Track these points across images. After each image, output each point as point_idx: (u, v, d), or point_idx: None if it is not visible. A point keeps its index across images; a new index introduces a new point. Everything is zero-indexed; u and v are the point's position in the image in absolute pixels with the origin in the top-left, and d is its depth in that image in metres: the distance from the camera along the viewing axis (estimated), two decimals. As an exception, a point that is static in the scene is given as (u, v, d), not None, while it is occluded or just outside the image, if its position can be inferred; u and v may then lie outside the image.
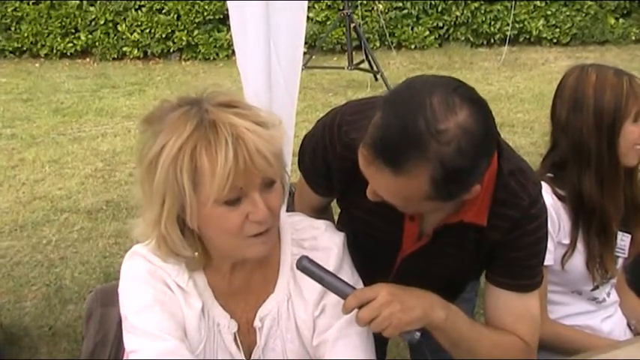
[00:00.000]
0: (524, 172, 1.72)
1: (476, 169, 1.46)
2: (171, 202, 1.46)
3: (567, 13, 10.68)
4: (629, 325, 2.41)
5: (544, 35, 10.71)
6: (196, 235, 1.55)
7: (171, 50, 10.42)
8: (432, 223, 1.75)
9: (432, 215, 1.73)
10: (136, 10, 10.28)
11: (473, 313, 2.45)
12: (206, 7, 10.23)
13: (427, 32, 10.70)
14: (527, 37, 10.79)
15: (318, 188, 2.00)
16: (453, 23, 10.77)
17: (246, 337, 1.66)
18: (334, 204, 2.08)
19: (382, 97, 1.50)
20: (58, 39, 10.31)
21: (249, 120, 1.45)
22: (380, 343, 2.45)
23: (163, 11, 10.30)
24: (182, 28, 10.29)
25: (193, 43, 10.35)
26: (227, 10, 2.97)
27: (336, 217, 2.20)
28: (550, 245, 1.97)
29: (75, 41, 10.35)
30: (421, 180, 1.42)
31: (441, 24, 10.76)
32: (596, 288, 2.26)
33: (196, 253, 1.58)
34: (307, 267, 1.57)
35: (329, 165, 1.84)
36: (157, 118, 1.49)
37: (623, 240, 2.24)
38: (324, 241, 1.67)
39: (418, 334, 1.58)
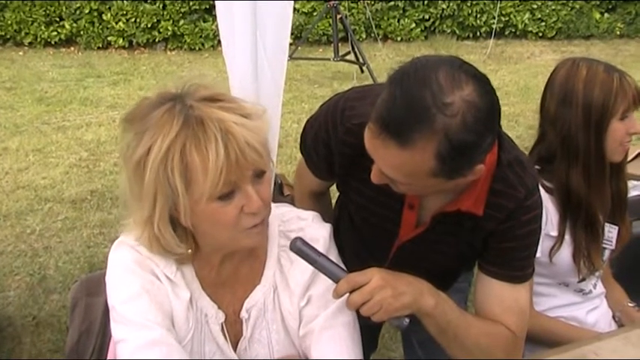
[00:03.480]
0: (522, 164, 1.74)
1: (480, 144, 1.46)
2: (163, 202, 1.45)
3: (553, 7, 10.74)
4: (614, 317, 2.43)
5: (530, 29, 10.77)
6: (189, 231, 1.54)
7: (156, 40, 10.37)
8: (430, 211, 1.76)
9: (431, 202, 1.75)
10: (121, -1, 10.24)
11: (466, 304, 2.46)
12: (192, -4, 10.21)
13: (413, 24, 10.73)
14: (513, 30, 10.84)
15: (318, 172, 2.02)
16: (439, 16, 10.80)
17: (233, 328, 1.66)
18: (333, 189, 2.09)
19: (386, 78, 1.50)
20: (42, 27, 10.23)
21: (235, 113, 1.44)
22: (372, 332, 2.47)
23: (149, 0, 10.25)
24: (168, 17, 10.25)
25: (179, 33, 10.31)
26: (213, 0, 2.96)
27: (334, 202, 2.21)
28: None
29: (59, 30, 10.28)
30: (427, 154, 1.43)
31: (427, 16, 10.79)
32: (582, 280, 2.27)
33: (190, 251, 1.57)
34: (301, 249, 1.57)
35: (331, 149, 1.85)
36: (138, 117, 1.47)
37: (611, 232, 2.26)
38: (310, 233, 1.67)
39: (407, 320, 1.59)
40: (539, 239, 1.82)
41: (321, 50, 10.23)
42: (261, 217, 1.51)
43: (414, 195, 1.74)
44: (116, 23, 10.20)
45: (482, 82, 1.46)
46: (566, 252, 2.18)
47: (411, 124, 1.41)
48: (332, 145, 1.84)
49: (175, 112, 1.42)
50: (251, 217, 1.48)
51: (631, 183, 2.70)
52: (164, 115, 1.43)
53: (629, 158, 2.65)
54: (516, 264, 1.77)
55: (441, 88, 1.40)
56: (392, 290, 1.55)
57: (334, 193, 2.12)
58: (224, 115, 1.42)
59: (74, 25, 10.24)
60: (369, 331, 1.80)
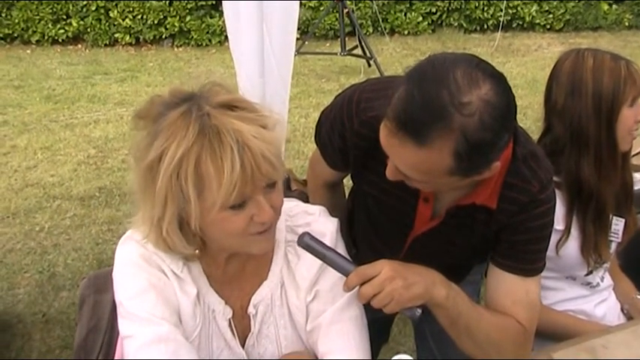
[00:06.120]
0: (537, 157, 1.74)
1: (497, 143, 1.47)
2: (174, 207, 1.44)
3: (560, -1, 10.70)
4: (622, 310, 2.42)
5: (537, 21, 10.72)
6: (197, 234, 1.53)
7: (163, 36, 10.37)
8: (444, 204, 1.77)
9: (446, 196, 1.75)
10: (127, -5, 10.24)
11: (478, 296, 2.46)
12: (198, -8, 10.21)
13: (420, 18, 10.70)
14: (521, 23, 10.80)
15: (333, 162, 2.03)
16: (446, 9, 10.77)
17: (240, 323, 1.66)
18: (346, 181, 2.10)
19: (403, 74, 1.50)
20: (50, 25, 10.24)
21: (253, 124, 1.42)
22: (383, 325, 2.47)
23: (155, -3, 10.27)
24: (174, 14, 10.25)
25: (186, 29, 10.31)
26: (220, -5, 2.96)
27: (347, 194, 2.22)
28: None
29: (66, 27, 10.29)
30: (444, 153, 1.43)
31: (434, 10, 10.75)
32: (590, 273, 2.26)
33: (197, 252, 1.57)
34: (309, 244, 1.57)
35: (345, 140, 1.85)
36: (151, 116, 1.45)
37: (617, 224, 2.25)
38: (317, 227, 1.67)
39: (419, 310, 1.59)
40: (551, 233, 1.81)
41: (328, 45, 10.21)
42: (269, 225, 1.51)
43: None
44: (123, 20, 10.20)
45: (499, 80, 1.45)
46: (573, 245, 2.17)
47: (429, 124, 1.41)
48: (347, 137, 1.85)
49: (191, 119, 1.39)
50: (260, 225, 1.48)
51: (639, 174, 2.69)
52: (178, 120, 1.40)
53: (634, 152, 2.64)
54: (528, 257, 1.77)
55: (459, 87, 1.40)
56: (403, 281, 1.55)
57: (347, 185, 2.12)
58: (241, 126, 1.39)
59: (81, 22, 10.25)
60: (380, 324, 1.80)
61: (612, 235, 2.24)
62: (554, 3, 10.70)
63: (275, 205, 1.49)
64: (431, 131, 1.41)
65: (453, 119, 1.39)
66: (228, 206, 1.42)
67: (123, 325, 1.56)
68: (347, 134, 1.84)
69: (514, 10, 10.69)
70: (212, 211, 1.42)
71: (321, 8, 10.10)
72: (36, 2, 10.15)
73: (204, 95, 1.45)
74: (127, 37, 10.29)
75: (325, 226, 1.69)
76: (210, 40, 10.34)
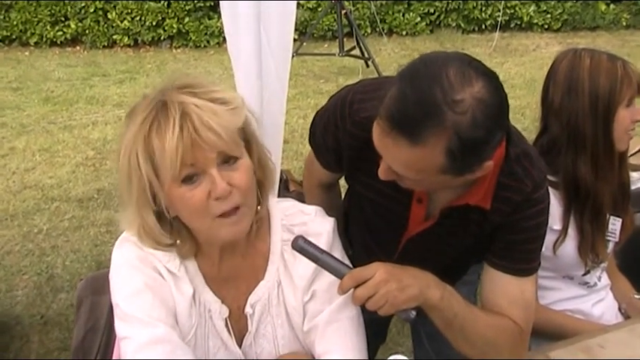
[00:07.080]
0: (530, 157, 1.74)
1: (490, 141, 1.47)
2: (137, 187, 1.48)
3: (558, -1, 10.70)
4: (620, 309, 2.42)
5: (535, 21, 10.72)
6: (180, 223, 1.55)
7: (161, 38, 10.37)
8: (438, 205, 1.76)
9: (439, 196, 1.75)
10: (125, -3, 10.24)
11: (475, 296, 2.46)
12: (196, -6, 10.21)
13: (418, 18, 10.70)
14: (519, 23, 10.80)
15: (327, 163, 2.03)
16: (444, 9, 10.77)
17: (237, 323, 1.66)
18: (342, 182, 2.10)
19: (395, 75, 1.50)
20: (48, 27, 10.24)
21: (200, 97, 1.45)
22: (380, 325, 2.47)
23: (153, -2, 10.27)
24: (173, 15, 10.25)
25: (184, 30, 10.31)
26: (217, -2, 2.96)
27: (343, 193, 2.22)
28: None
29: (65, 29, 10.29)
30: (437, 151, 1.43)
31: (432, 10, 10.75)
32: (587, 272, 2.27)
33: (178, 242, 1.57)
34: (303, 247, 1.57)
35: (339, 141, 1.86)
36: (131, 112, 1.51)
37: (614, 224, 2.25)
38: (314, 227, 1.67)
39: (414, 312, 1.60)
40: (545, 232, 1.81)
41: (326, 46, 10.21)
42: (231, 204, 1.48)
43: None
44: (121, 22, 10.21)
45: (491, 78, 1.45)
46: (570, 245, 2.18)
47: (422, 122, 1.41)
48: (340, 138, 1.85)
49: (151, 102, 1.47)
50: (219, 203, 1.47)
51: (637, 174, 2.69)
52: (143, 106, 1.48)
53: (632, 152, 2.64)
54: (522, 257, 1.77)
55: (451, 85, 1.40)
56: (397, 283, 1.55)
57: (343, 186, 2.12)
58: (187, 99, 1.44)
59: (79, 24, 10.25)
60: (377, 324, 1.79)
61: (609, 234, 2.24)
62: (552, 3, 10.70)
63: (235, 184, 1.47)
64: (424, 129, 1.41)
65: (445, 117, 1.39)
66: (180, 179, 1.44)
67: (119, 327, 1.57)
68: (340, 135, 1.84)
69: (512, 10, 10.69)
70: (166, 185, 1.45)
71: (319, 9, 10.10)
72: (34, 4, 10.15)
73: (170, 84, 1.51)
74: (126, 39, 10.29)
75: (322, 226, 1.69)
76: (208, 42, 10.34)
